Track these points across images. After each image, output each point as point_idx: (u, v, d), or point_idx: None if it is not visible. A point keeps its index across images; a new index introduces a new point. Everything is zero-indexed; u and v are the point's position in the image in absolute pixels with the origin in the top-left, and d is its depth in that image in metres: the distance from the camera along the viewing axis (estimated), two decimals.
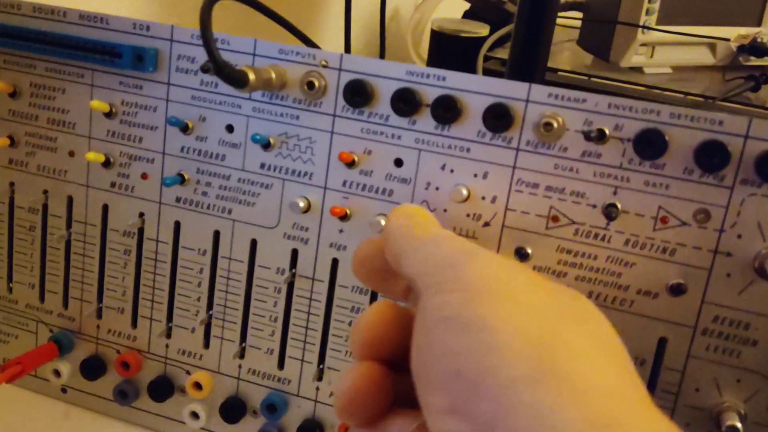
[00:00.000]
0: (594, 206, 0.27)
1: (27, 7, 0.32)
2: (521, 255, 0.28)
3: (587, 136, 0.26)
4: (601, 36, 0.69)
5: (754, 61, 0.66)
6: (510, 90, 0.27)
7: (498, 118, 0.28)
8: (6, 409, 0.35)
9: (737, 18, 0.66)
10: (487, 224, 0.29)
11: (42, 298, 0.35)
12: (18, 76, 0.33)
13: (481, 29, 0.76)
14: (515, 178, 0.28)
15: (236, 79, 0.27)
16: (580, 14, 0.76)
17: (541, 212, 0.28)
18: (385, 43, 0.87)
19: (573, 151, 0.27)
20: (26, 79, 0.33)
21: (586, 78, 0.63)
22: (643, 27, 0.64)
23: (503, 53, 0.74)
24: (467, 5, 0.88)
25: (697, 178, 0.26)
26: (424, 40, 0.92)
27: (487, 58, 0.70)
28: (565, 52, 0.76)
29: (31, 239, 0.35)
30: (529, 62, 0.51)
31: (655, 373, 0.28)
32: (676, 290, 0.27)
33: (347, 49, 0.88)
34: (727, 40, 0.66)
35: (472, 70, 0.69)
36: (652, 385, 0.28)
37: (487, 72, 0.69)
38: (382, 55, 0.92)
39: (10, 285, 0.36)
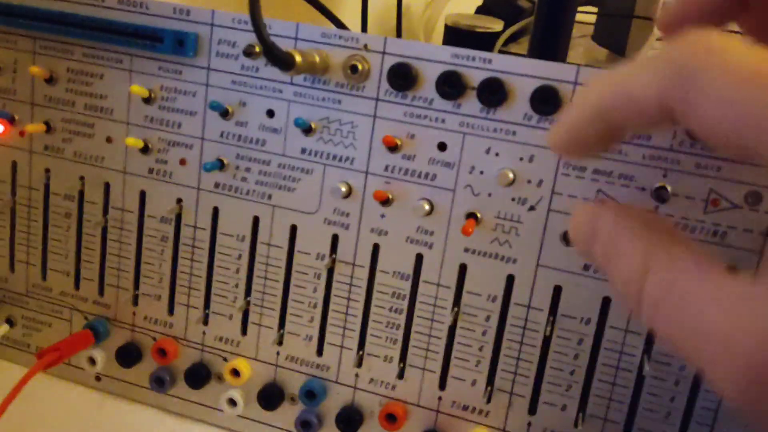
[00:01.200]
0: (643, 189, 0.27)
1: None
2: (567, 239, 0.28)
3: None
4: (617, 31, 0.69)
5: None
6: (558, 72, 0.27)
7: (546, 101, 0.28)
8: (39, 398, 0.34)
9: None
10: (532, 208, 0.29)
11: (77, 286, 0.35)
12: (55, 62, 0.33)
13: (495, 24, 0.76)
14: (562, 161, 0.28)
15: (284, 61, 0.27)
16: (594, 9, 0.76)
17: (588, 196, 0.28)
18: (401, 38, 0.87)
19: None
20: (63, 65, 0.33)
21: None
22: None
23: (517, 48, 0.75)
24: (480, 1, 0.88)
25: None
26: (436, 35, 0.92)
27: (501, 53, 0.70)
28: (579, 47, 0.76)
29: (66, 226, 0.34)
30: (548, 56, 0.51)
31: None
32: None
33: None
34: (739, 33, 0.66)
35: None
36: (698, 379, 0.28)
37: None
38: None
39: (45, 273, 0.35)
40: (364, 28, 0.79)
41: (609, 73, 0.20)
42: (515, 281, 0.30)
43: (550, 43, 0.51)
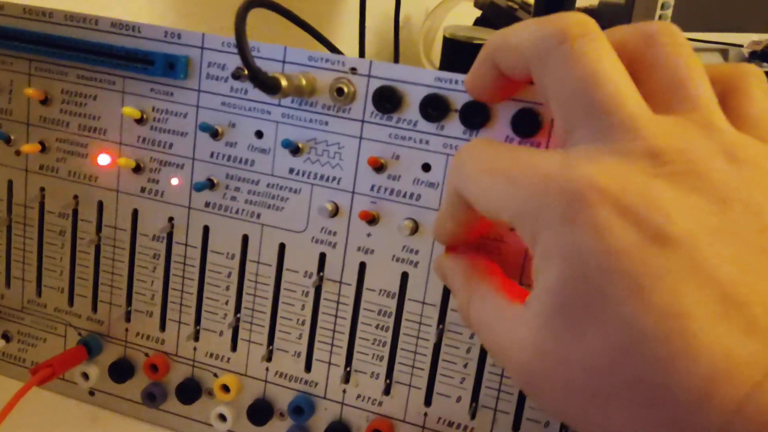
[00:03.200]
0: None
1: (59, 15, 0.33)
2: None
3: None
4: None
5: (767, 67, 0.66)
6: (537, 95, 0.28)
7: (526, 124, 0.28)
8: (34, 412, 0.35)
9: (750, 24, 0.67)
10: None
11: (71, 302, 0.36)
12: (49, 83, 0.33)
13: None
14: None
15: (269, 85, 0.28)
16: None
17: None
18: (399, 50, 0.88)
19: None
20: (58, 86, 0.33)
21: None
22: None
23: None
24: (478, 12, 0.88)
25: None
26: (435, 47, 0.93)
27: None
28: None
29: (60, 244, 0.35)
30: None
31: None
32: None
33: (362, 56, 0.88)
34: (740, 46, 0.67)
35: None
36: None
37: None
38: (396, 62, 0.93)
39: (39, 289, 0.36)
40: (362, 42, 0.80)
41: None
42: None
43: None
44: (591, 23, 0.22)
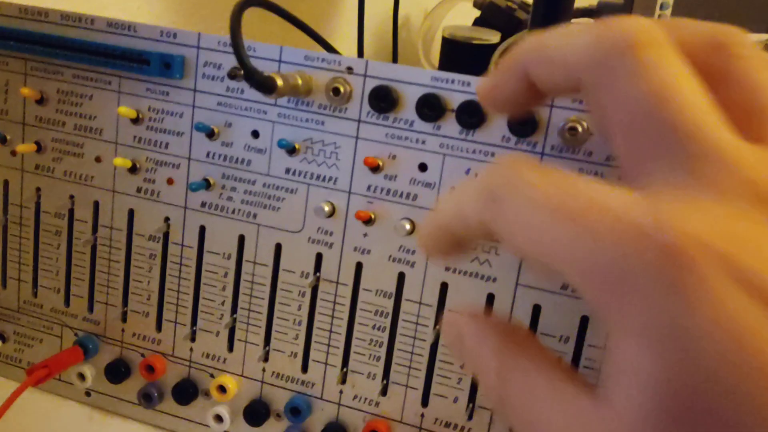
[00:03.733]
0: None
1: (54, 15, 0.33)
2: None
3: None
4: None
5: None
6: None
7: (522, 123, 0.28)
8: (30, 412, 0.35)
9: (749, 24, 0.67)
10: None
11: (67, 303, 0.36)
12: (45, 83, 0.33)
13: (492, 36, 0.76)
14: None
15: (265, 85, 0.28)
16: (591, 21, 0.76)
17: None
18: (398, 50, 0.88)
19: (598, 155, 0.27)
20: (53, 86, 0.33)
21: None
22: None
23: None
24: (477, 13, 0.88)
25: None
26: (434, 47, 0.92)
27: (498, 65, 0.71)
28: None
29: (56, 244, 0.35)
30: None
31: None
32: None
33: (360, 57, 0.88)
34: None
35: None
36: None
37: None
38: (394, 62, 0.93)
39: (35, 289, 0.36)
40: (360, 43, 0.80)
41: (451, 191, 0.22)
42: (495, 300, 0.30)
43: None
44: (657, 29, 0.18)
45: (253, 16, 0.32)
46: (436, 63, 0.85)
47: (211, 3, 0.71)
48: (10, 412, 0.30)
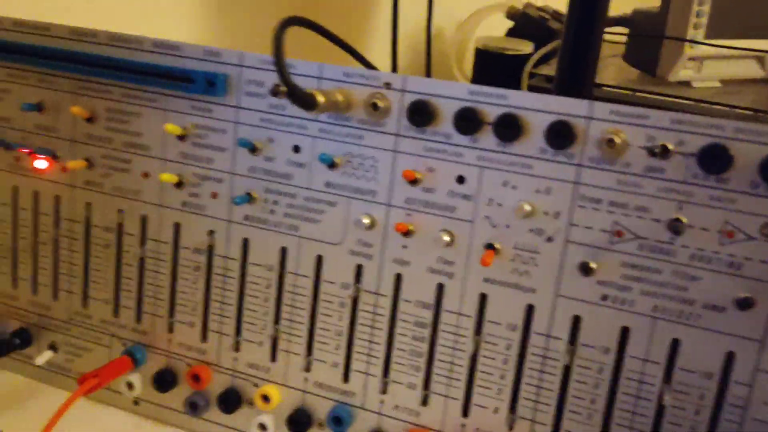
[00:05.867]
0: (658, 221, 0.28)
1: (104, 36, 0.34)
2: (585, 269, 0.29)
3: (651, 151, 0.27)
4: (648, 51, 0.69)
5: None
6: (571, 107, 0.28)
7: (560, 135, 0.28)
8: (80, 421, 0.36)
9: None
10: (550, 239, 0.29)
11: (116, 313, 0.37)
12: (95, 102, 0.35)
13: (525, 47, 0.76)
14: (578, 193, 0.29)
15: (307, 101, 0.28)
16: (625, 30, 0.76)
17: (604, 227, 0.28)
18: (431, 63, 0.88)
19: (636, 166, 0.28)
20: (102, 105, 0.35)
21: (631, 93, 0.64)
22: (691, 41, 0.64)
23: (548, 70, 0.75)
24: (510, 23, 0.89)
25: (763, 192, 0.26)
26: (467, 58, 0.93)
27: (532, 75, 0.71)
28: (610, 67, 0.76)
29: (106, 257, 0.36)
30: (576, 78, 0.52)
31: (723, 387, 0.28)
32: (744, 304, 0.27)
33: (394, 69, 0.89)
34: None
35: (517, 87, 0.70)
36: (719, 400, 0.28)
37: (532, 89, 0.70)
38: (428, 75, 0.93)
39: (85, 301, 0.37)
40: (394, 56, 0.81)
41: None
42: (535, 311, 0.30)
43: (577, 64, 0.51)
44: None
45: (288, 32, 0.33)
46: (469, 74, 0.85)
47: (250, 22, 0.73)
48: (61, 422, 0.31)
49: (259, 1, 0.77)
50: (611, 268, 0.29)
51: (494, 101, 0.29)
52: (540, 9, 0.91)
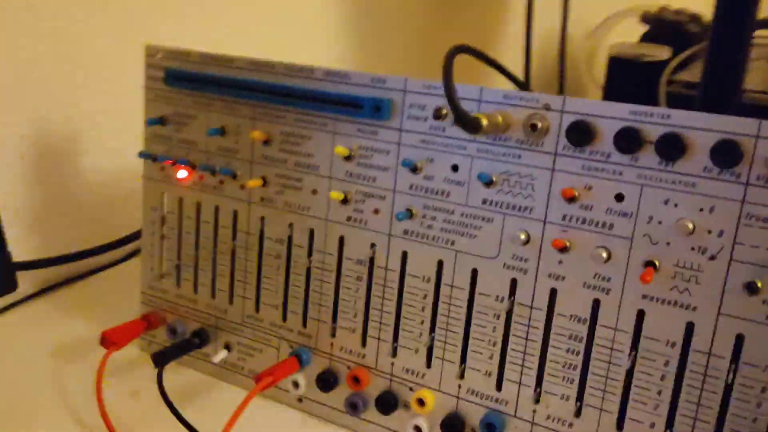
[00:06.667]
0: None
1: (279, 67, 0.37)
2: (751, 289, 0.29)
3: None
4: None
5: None
6: (739, 126, 0.28)
7: (726, 154, 0.28)
8: (251, 416, 0.40)
9: None
10: (713, 257, 0.29)
11: (285, 318, 0.40)
12: (271, 126, 0.38)
13: (662, 52, 0.74)
14: (744, 212, 0.29)
15: (473, 125, 0.30)
16: None
17: None
18: (565, 71, 0.88)
19: None
20: (278, 129, 0.38)
21: None
22: None
23: (687, 76, 0.73)
24: (643, 28, 0.87)
25: None
26: (598, 65, 0.92)
27: (669, 82, 0.69)
28: (758, 71, 0.73)
29: (277, 266, 0.40)
30: (724, 86, 0.51)
31: None
32: None
33: (526, 77, 0.89)
34: None
35: (654, 95, 0.69)
36: None
37: (671, 96, 0.68)
38: (561, 84, 0.93)
39: (258, 306, 0.41)
40: (527, 67, 0.81)
41: None
42: (695, 328, 0.30)
43: (725, 72, 0.50)
44: None
45: (430, 53, 0.35)
46: (601, 81, 0.84)
47: (388, 44, 0.76)
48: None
49: (395, 23, 0.80)
50: None
51: (657, 120, 0.30)
52: (677, 12, 0.88)
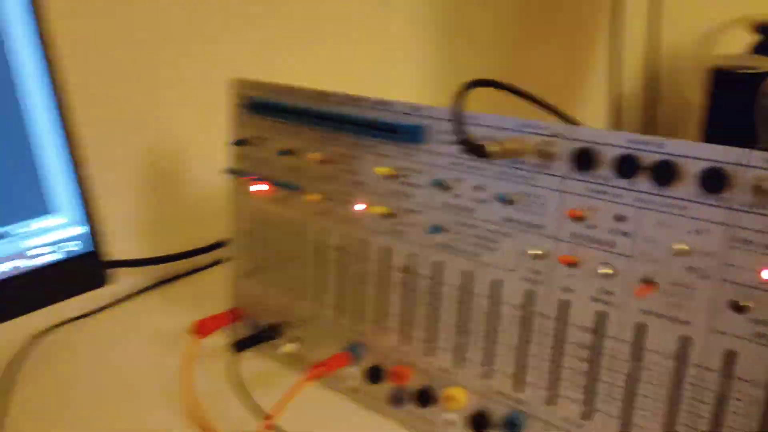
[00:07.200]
0: None
1: (337, 97, 0.43)
2: (737, 308, 0.30)
3: None
4: None
5: None
6: (726, 155, 0.30)
7: (713, 180, 0.30)
8: (312, 400, 0.45)
9: None
10: (705, 276, 0.31)
11: (340, 316, 0.46)
12: (329, 148, 0.44)
13: (765, 63, 0.72)
14: (732, 235, 0.30)
15: (477, 151, 0.34)
16: None
17: (756, 267, 0.30)
18: (659, 84, 0.87)
19: None
20: (335, 151, 0.44)
21: None
22: None
23: None
24: (748, 40, 0.83)
25: None
26: (702, 78, 0.89)
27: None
28: None
29: (337, 270, 0.45)
30: None
31: None
32: None
33: (618, 96, 0.89)
34: None
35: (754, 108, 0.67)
36: None
37: None
38: (653, 99, 0.91)
39: (321, 305, 0.47)
40: (615, 81, 0.81)
41: None
42: (690, 342, 0.32)
43: None
44: None
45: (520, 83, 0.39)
46: (703, 95, 0.82)
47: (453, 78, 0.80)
48: (300, 398, 0.40)
49: (479, 59, 0.84)
50: (766, 307, 0.30)
51: (652, 149, 0.32)
52: None
